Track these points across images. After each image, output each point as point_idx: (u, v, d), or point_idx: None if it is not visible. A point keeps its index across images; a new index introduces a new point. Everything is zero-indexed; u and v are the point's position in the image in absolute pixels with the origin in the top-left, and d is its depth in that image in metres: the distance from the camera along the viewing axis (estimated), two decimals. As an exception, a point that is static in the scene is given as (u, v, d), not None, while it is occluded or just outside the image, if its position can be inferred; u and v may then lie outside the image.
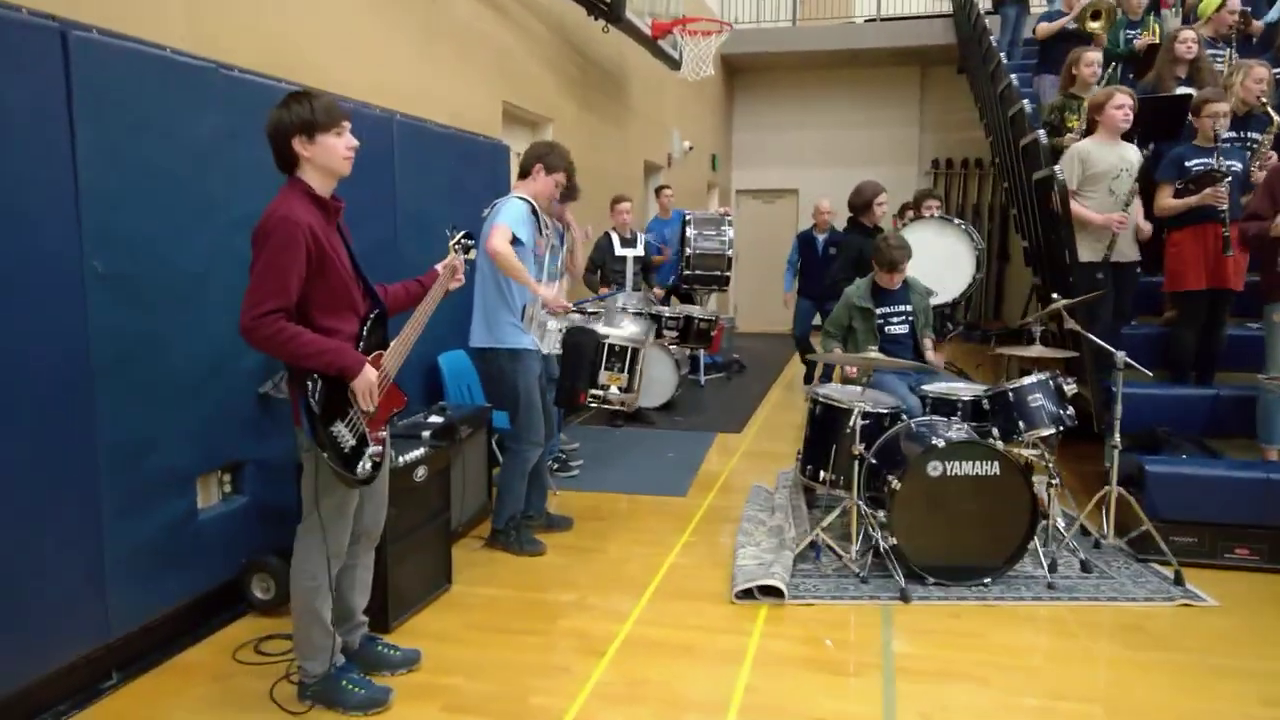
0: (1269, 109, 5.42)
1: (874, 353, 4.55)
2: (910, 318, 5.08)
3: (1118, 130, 5.12)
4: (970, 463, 4.08)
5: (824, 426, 4.62)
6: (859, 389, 4.83)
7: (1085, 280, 4.98)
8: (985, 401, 4.51)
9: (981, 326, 12.64)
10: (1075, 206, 5.04)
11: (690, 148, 11.16)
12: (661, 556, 4.43)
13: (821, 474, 4.59)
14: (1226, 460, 4.59)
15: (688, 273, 8.84)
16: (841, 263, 6.20)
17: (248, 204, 3.45)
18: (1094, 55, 6.21)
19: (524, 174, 4.42)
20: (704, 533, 4.79)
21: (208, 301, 3.36)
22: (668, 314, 7.39)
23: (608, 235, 7.31)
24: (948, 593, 4.00)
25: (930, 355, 5.09)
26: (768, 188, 14.77)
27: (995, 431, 4.37)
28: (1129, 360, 4.24)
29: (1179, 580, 4.11)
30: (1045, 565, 4.14)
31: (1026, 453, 4.33)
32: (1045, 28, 7.57)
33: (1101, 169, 5.11)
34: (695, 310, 7.58)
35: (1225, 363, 5.22)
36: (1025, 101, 6.12)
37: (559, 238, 4.65)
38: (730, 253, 8.78)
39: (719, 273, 8.88)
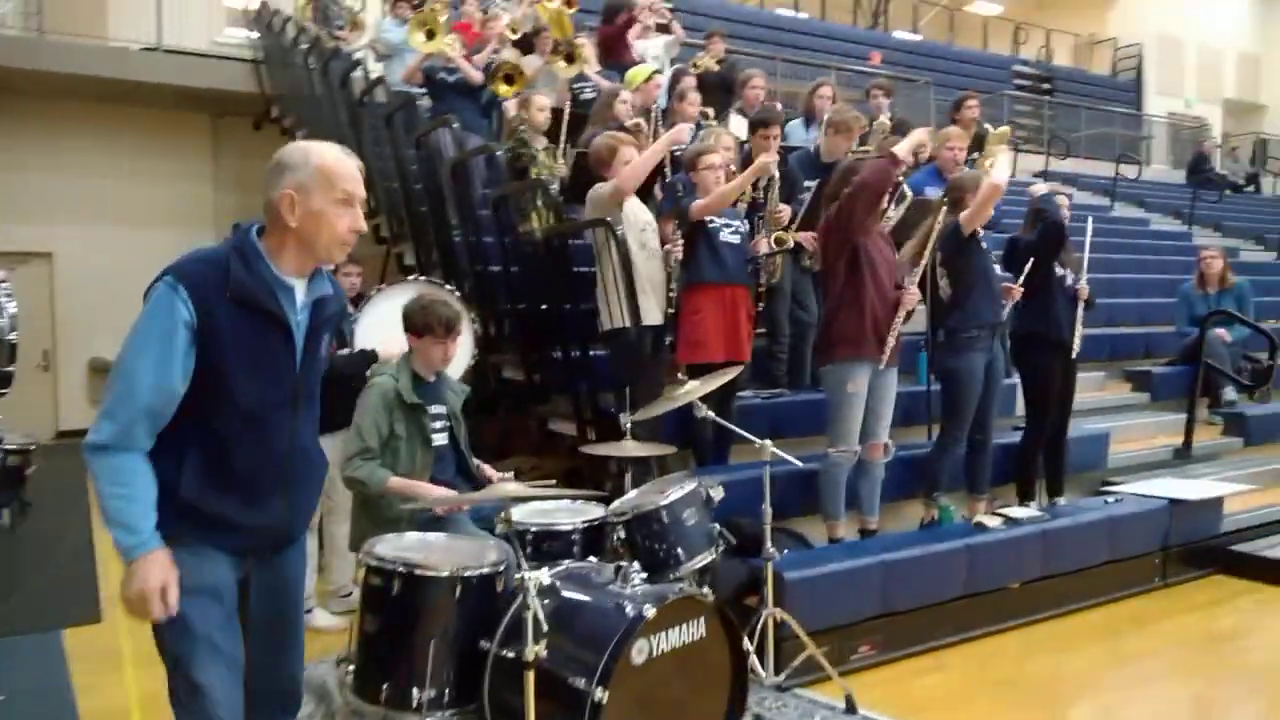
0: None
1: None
2: (450, 423, 3.50)
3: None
4: (678, 629, 2.74)
5: (404, 612, 2.75)
6: (422, 537, 3.06)
7: (642, 347, 4.09)
8: (620, 529, 3.21)
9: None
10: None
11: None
12: None
13: (414, 693, 2.70)
14: (839, 547, 4.11)
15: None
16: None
17: None
18: (543, 99, 5.51)
19: None
20: None
21: None
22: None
23: None
24: (684, 842, 2.57)
25: (487, 470, 3.57)
26: (7, 250, 10.83)
27: (636, 566, 3.09)
28: (776, 451, 3.41)
29: (851, 708, 3.39)
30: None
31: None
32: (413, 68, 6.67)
33: (631, 219, 4.31)
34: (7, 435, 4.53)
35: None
36: (498, 147, 5.07)
37: None
38: (13, 337, 5.70)
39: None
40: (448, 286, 4.46)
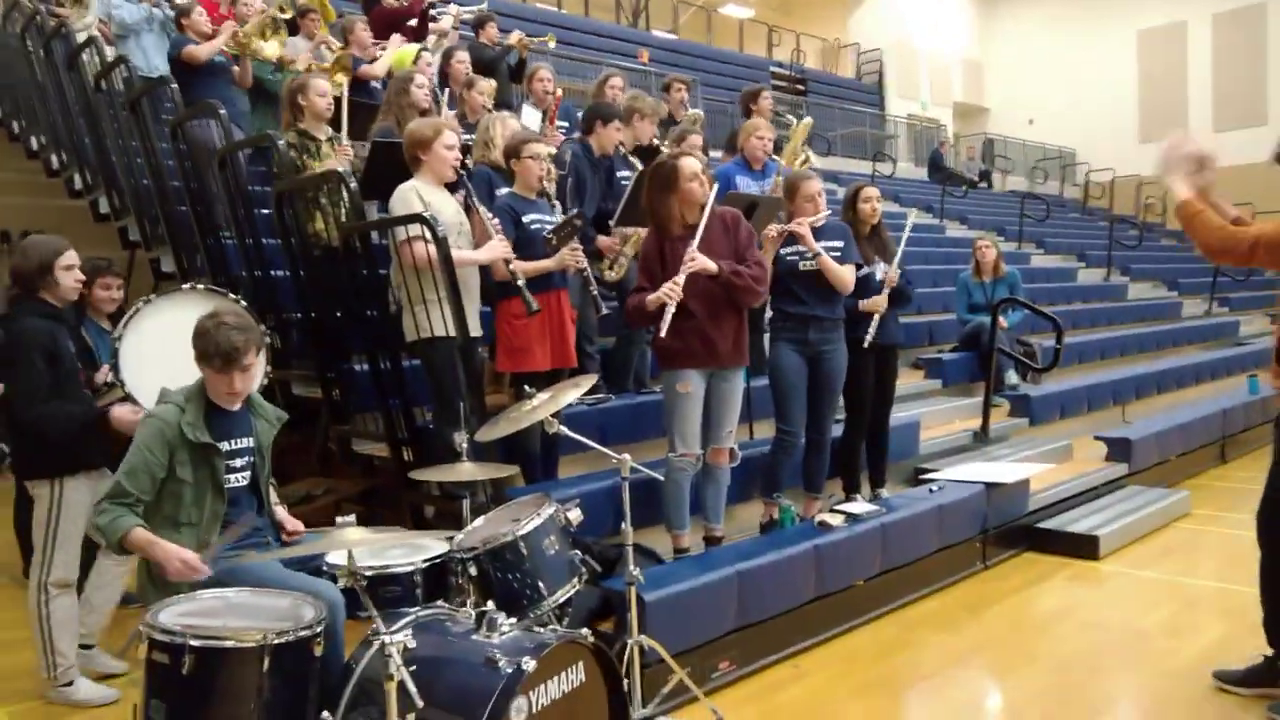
0: None
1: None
2: (252, 459, 2.92)
3: (445, 177, 3.98)
4: (556, 678, 2.41)
5: (200, 695, 2.21)
6: (220, 594, 2.49)
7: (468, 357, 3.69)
8: (470, 564, 2.80)
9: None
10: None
11: None
12: None
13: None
14: (691, 561, 3.85)
15: None
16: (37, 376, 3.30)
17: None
18: (324, 84, 4.90)
19: None
20: None
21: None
22: None
23: None
24: None
25: (283, 515, 3.04)
26: None
27: (491, 607, 2.71)
28: (637, 465, 3.12)
29: (723, 737, 3.18)
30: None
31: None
32: (197, 50, 5.79)
33: (445, 218, 3.87)
34: None
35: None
36: (278, 138, 4.43)
37: None
38: None
39: None
40: (232, 296, 3.78)
